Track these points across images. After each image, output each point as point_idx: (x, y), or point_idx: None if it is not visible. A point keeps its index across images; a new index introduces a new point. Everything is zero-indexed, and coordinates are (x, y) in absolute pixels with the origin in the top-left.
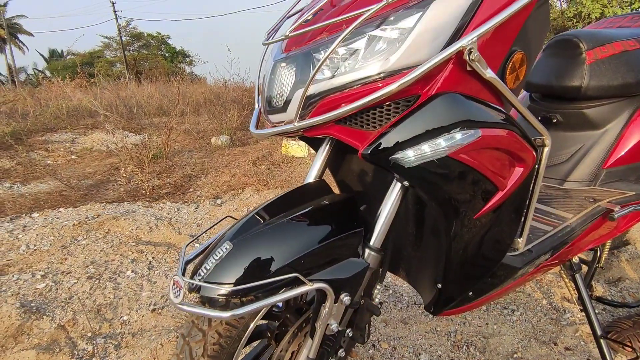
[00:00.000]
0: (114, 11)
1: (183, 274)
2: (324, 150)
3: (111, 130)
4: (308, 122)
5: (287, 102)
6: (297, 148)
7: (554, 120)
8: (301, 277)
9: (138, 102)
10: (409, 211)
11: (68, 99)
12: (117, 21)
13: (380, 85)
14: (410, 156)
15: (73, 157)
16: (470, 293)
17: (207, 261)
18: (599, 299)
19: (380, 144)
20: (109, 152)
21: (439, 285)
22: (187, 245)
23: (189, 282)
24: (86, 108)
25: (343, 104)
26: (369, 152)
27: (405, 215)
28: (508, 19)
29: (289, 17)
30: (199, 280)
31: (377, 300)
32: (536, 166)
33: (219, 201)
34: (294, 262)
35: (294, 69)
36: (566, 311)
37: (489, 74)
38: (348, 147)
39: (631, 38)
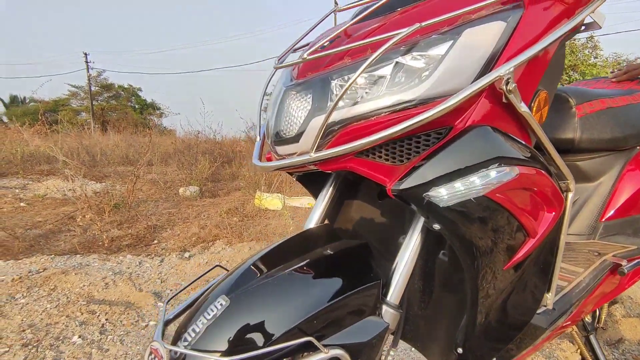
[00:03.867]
0: (86, 61)
1: (162, 338)
2: (327, 193)
3: (70, 176)
4: (326, 153)
5: (300, 132)
6: (271, 200)
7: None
8: (315, 342)
9: (102, 150)
10: (416, 263)
11: (24, 144)
12: (88, 71)
13: (411, 113)
14: (443, 194)
15: (22, 204)
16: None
17: (195, 321)
18: None
19: (412, 179)
20: (64, 200)
21: (459, 351)
22: (168, 302)
23: (171, 350)
24: (43, 154)
25: (367, 134)
26: (400, 187)
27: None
28: (538, 56)
29: (296, 49)
30: (185, 347)
31: None
32: (563, 213)
33: (186, 254)
34: (304, 324)
35: (310, 95)
36: None
37: (524, 107)
38: (347, 192)
39: (613, 96)
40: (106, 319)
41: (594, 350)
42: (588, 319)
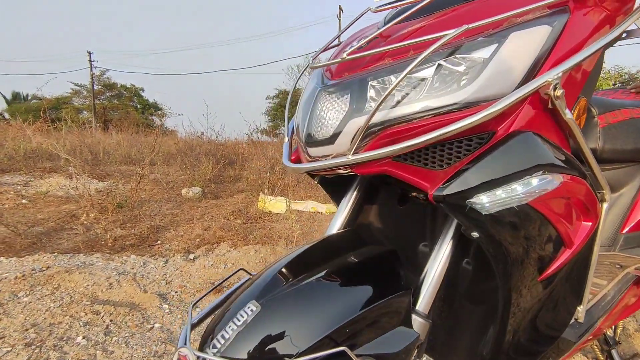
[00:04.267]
0: (90, 60)
1: (188, 344)
2: (350, 198)
3: (74, 174)
4: (364, 155)
5: (336, 134)
6: (275, 203)
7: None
8: (349, 353)
9: (105, 148)
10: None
11: (27, 140)
12: (91, 70)
13: (454, 117)
14: (485, 202)
15: (24, 201)
16: None
17: (224, 327)
18: None
19: (455, 185)
20: (67, 198)
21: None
22: (193, 305)
23: (199, 357)
24: (46, 151)
25: (407, 137)
26: (443, 193)
27: None
28: (582, 62)
29: (329, 48)
30: (215, 354)
31: None
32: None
33: (191, 256)
34: (335, 332)
35: (347, 96)
36: None
37: (568, 114)
38: (369, 196)
39: (636, 107)
40: (111, 320)
41: None
42: (610, 332)
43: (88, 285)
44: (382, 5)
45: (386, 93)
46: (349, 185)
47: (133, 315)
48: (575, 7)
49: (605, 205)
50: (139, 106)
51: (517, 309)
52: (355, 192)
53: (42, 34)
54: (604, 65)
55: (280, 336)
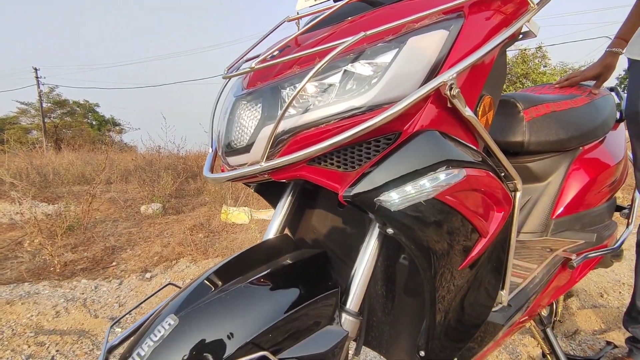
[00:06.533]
0: (36, 77)
1: None
2: (285, 203)
3: (17, 198)
4: (277, 161)
5: (251, 142)
6: (238, 214)
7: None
8: (271, 357)
9: (55, 169)
10: (377, 269)
11: None
12: (38, 87)
13: (359, 120)
14: (394, 198)
15: None
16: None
17: (141, 345)
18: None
19: (363, 185)
20: (11, 225)
21: (422, 354)
22: (112, 326)
23: None
24: None
25: (317, 141)
26: (351, 193)
27: (373, 273)
28: (479, 62)
29: (247, 60)
30: None
31: None
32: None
33: (147, 275)
34: (259, 338)
35: (260, 105)
36: None
37: (468, 112)
38: (307, 201)
39: (556, 101)
40: (57, 350)
41: (551, 343)
42: (545, 313)
43: (32, 315)
44: (299, 15)
45: (289, 100)
46: (283, 190)
47: (82, 342)
48: (470, 12)
49: (518, 194)
50: (94, 122)
51: (443, 298)
52: (290, 197)
53: None
54: (548, 61)
55: (199, 348)
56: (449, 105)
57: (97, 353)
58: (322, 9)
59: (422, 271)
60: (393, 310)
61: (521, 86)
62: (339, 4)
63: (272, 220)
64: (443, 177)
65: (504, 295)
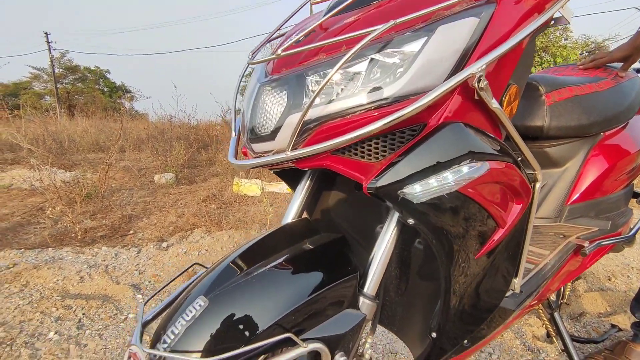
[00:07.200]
0: (47, 42)
1: (141, 341)
2: (304, 187)
3: (36, 165)
4: (303, 151)
5: (276, 130)
6: (250, 186)
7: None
8: (294, 338)
9: (70, 136)
10: (393, 252)
11: None
12: (50, 52)
13: (386, 111)
14: (418, 191)
15: None
16: (466, 341)
17: (174, 323)
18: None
19: (387, 177)
20: (32, 191)
21: (434, 335)
22: (145, 303)
23: (149, 354)
24: (6, 142)
25: (343, 132)
26: (375, 185)
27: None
28: (509, 51)
29: (271, 40)
30: (165, 349)
31: (367, 356)
32: (530, 202)
33: (164, 244)
34: (283, 320)
35: (285, 92)
36: (540, 351)
37: (494, 104)
38: (325, 184)
39: (580, 84)
40: (83, 314)
41: (557, 326)
42: (553, 297)
43: (58, 280)
44: None
45: (318, 90)
46: (303, 173)
47: (106, 307)
48: None
49: (537, 185)
50: (105, 89)
51: (458, 285)
52: (309, 181)
53: None
54: (570, 34)
55: (227, 328)
56: (475, 97)
57: (121, 317)
58: None
59: (439, 258)
60: (406, 292)
61: (539, 60)
62: None
63: (290, 204)
64: (466, 170)
65: (517, 283)
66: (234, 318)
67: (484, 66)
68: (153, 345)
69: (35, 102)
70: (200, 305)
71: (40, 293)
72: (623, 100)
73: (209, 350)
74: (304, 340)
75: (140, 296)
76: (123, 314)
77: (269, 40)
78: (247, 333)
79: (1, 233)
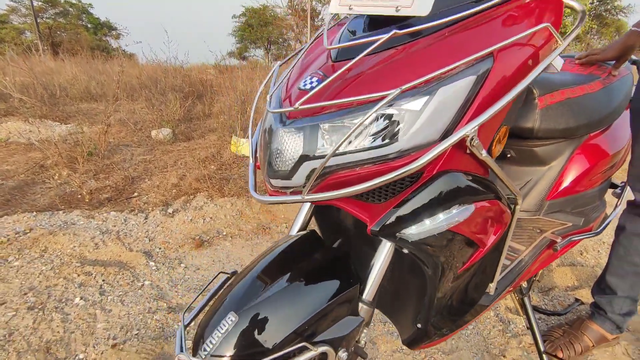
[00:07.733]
0: None
1: (185, 350)
2: None
3: (32, 121)
4: (317, 196)
5: (292, 171)
6: (248, 147)
7: (508, 156)
8: (308, 345)
9: (61, 84)
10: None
11: None
12: None
13: (390, 166)
14: (413, 232)
15: None
16: (446, 330)
17: (210, 334)
18: (535, 309)
19: (389, 220)
20: (30, 145)
21: (419, 325)
22: (184, 312)
23: None
24: None
25: (353, 181)
26: (377, 229)
27: None
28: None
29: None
30: (206, 356)
31: (362, 342)
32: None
33: (170, 210)
34: (299, 329)
35: (301, 138)
36: (510, 322)
37: (484, 154)
38: None
39: (573, 85)
40: (103, 280)
41: (526, 308)
42: (524, 284)
43: (74, 246)
44: (337, 45)
45: (336, 147)
46: None
47: (123, 274)
48: (499, 54)
49: (517, 207)
50: (89, 26)
51: (441, 292)
52: None
53: None
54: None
55: (254, 340)
56: (467, 151)
57: (138, 284)
58: (357, 13)
59: (426, 273)
60: (395, 281)
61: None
62: (377, 39)
63: (297, 215)
64: (455, 212)
65: (492, 287)
66: (260, 331)
67: (476, 127)
68: (195, 353)
69: (14, 37)
70: (231, 320)
71: (60, 259)
72: (611, 102)
73: (240, 357)
74: (314, 344)
75: (153, 263)
76: (139, 280)
77: (285, 79)
78: (271, 342)
79: (10, 193)
